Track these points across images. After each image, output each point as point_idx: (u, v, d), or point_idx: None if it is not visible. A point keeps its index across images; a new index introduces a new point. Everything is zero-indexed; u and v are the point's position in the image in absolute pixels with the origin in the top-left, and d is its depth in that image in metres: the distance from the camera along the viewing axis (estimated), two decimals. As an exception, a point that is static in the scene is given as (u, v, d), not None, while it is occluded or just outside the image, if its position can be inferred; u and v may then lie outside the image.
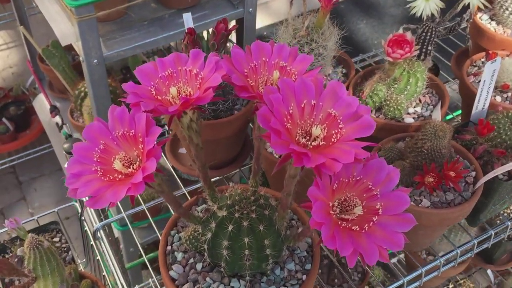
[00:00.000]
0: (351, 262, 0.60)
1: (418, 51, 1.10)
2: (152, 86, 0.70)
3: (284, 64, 0.73)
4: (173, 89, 0.70)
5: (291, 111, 0.62)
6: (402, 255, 1.78)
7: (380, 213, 0.64)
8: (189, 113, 0.72)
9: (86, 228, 1.16)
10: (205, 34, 1.75)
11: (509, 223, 1.09)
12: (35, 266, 0.87)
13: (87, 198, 0.64)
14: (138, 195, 1.04)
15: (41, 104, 2.21)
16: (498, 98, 1.13)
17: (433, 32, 1.17)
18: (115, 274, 1.07)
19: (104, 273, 1.11)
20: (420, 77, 1.05)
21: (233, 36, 1.47)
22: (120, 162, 0.65)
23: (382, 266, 1.80)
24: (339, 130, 0.62)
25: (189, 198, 1.14)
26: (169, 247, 0.86)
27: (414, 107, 1.10)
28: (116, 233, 1.68)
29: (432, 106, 1.10)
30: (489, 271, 1.80)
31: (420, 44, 1.18)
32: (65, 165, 0.68)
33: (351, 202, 0.65)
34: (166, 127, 1.46)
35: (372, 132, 0.63)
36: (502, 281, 1.88)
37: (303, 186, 0.67)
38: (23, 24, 2.00)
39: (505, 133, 0.98)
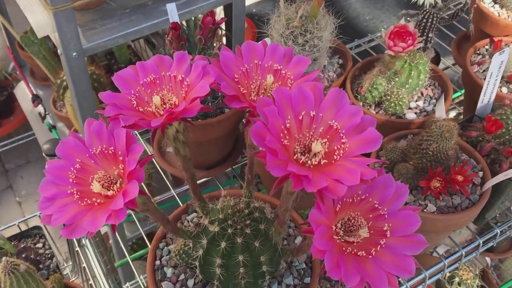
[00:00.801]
0: (358, 293, 0.54)
1: (421, 43, 1.02)
2: (132, 95, 0.63)
3: (279, 67, 0.66)
4: (156, 98, 0.63)
5: (288, 125, 0.56)
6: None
7: (388, 235, 0.58)
8: (174, 124, 0.65)
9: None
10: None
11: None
12: (12, 290, 0.80)
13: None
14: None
15: (23, 92, 2.12)
16: (504, 90, 1.06)
17: (435, 18, 1.10)
18: (100, 282, 1.01)
19: (91, 281, 1.06)
20: (422, 70, 0.98)
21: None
22: (99, 183, 0.59)
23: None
24: (342, 145, 0.56)
25: (178, 200, 1.08)
26: (157, 262, 0.81)
27: (416, 101, 1.03)
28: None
29: (434, 100, 1.03)
30: (486, 254, 1.77)
31: (420, 31, 1.11)
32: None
33: (355, 222, 0.59)
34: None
35: (378, 146, 0.56)
36: (497, 264, 1.86)
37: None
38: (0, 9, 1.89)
39: (514, 130, 0.91)
